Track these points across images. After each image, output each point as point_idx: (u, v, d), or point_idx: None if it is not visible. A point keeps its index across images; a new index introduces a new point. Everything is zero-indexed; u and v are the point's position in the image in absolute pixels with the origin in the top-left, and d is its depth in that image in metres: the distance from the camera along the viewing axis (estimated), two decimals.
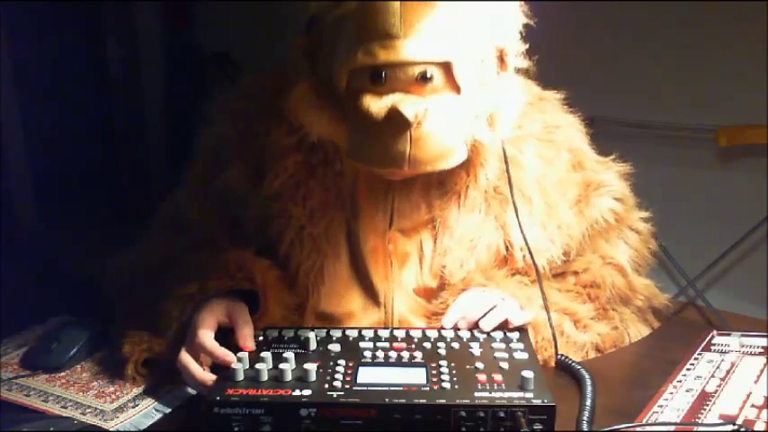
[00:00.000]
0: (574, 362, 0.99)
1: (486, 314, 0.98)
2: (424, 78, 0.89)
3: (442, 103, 0.90)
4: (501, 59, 0.96)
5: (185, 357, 0.93)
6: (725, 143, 2.17)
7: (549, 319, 1.01)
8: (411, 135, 0.88)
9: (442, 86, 0.91)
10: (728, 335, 1.06)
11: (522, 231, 1.02)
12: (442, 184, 1.05)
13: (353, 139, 0.94)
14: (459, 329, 0.99)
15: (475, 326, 0.98)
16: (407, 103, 0.86)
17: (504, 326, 0.99)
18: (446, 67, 0.90)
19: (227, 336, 0.94)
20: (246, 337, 0.93)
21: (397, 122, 0.87)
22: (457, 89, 0.91)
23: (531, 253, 1.03)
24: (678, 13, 2.23)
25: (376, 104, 0.88)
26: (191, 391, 0.96)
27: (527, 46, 0.97)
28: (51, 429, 0.87)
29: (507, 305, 0.99)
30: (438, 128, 0.89)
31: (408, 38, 0.87)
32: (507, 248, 1.04)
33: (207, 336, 0.92)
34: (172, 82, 3.14)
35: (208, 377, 0.91)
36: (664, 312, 1.17)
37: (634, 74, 2.36)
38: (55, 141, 2.68)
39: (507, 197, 1.04)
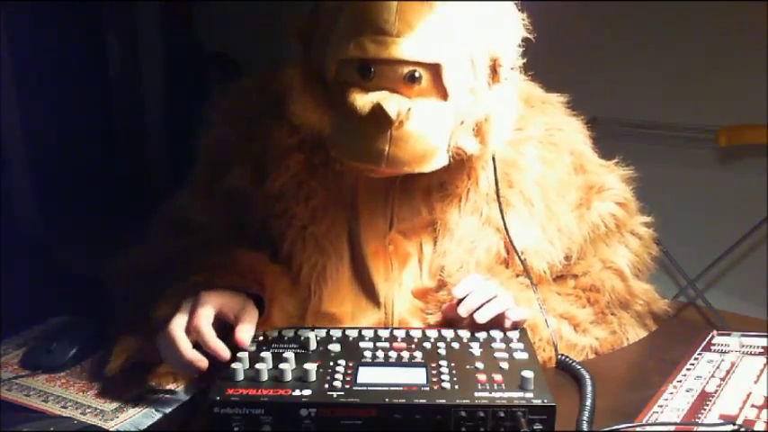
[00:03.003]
0: (574, 362, 0.99)
1: (483, 305, 0.97)
2: (412, 78, 0.89)
3: (428, 106, 0.90)
4: (494, 70, 0.95)
5: (175, 330, 0.87)
6: (725, 143, 2.17)
7: (546, 321, 1.01)
8: (392, 134, 0.88)
9: (430, 90, 0.90)
10: (728, 335, 1.06)
11: (509, 236, 1.02)
12: (443, 187, 1.05)
13: (336, 131, 0.94)
14: (458, 328, 0.98)
15: (472, 314, 0.97)
16: (392, 101, 0.87)
17: (500, 322, 0.98)
18: (435, 70, 0.89)
19: (225, 338, 0.93)
20: (246, 331, 0.90)
21: (379, 119, 0.87)
22: (444, 94, 0.91)
23: (518, 254, 1.02)
24: (678, 13, 2.23)
25: (361, 99, 0.88)
26: (190, 392, 0.96)
27: (524, 60, 0.97)
28: (51, 429, 0.87)
29: (506, 298, 0.99)
30: (420, 130, 0.89)
31: (401, 36, 0.87)
32: (508, 252, 1.04)
33: (205, 316, 0.88)
34: (172, 82, 3.14)
35: (196, 357, 0.87)
36: (663, 317, 1.16)
37: (634, 74, 2.36)
38: (55, 141, 2.68)
39: (508, 200, 1.04)
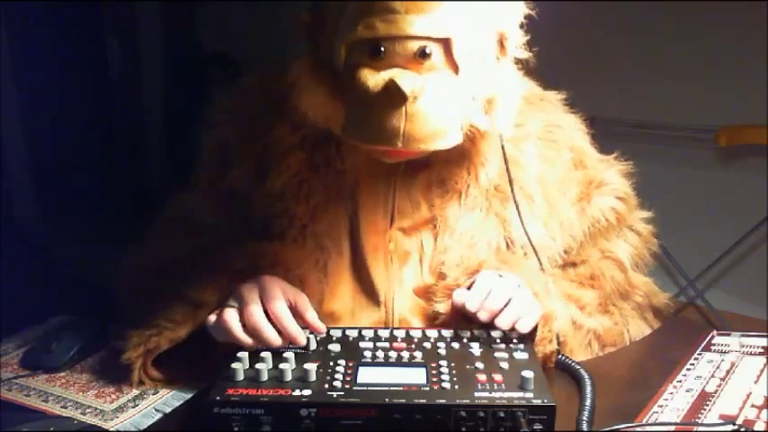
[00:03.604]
0: (574, 362, 0.99)
1: (502, 310, 0.96)
2: (422, 54, 0.88)
3: (440, 81, 0.89)
4: (501, 44, 0.95)
5: (258, 314, 0.90)
6: (725, 143, 2.17)
7: (556, 311, 1.01)
8: (406, 111, 0.87)
9: (441, 65, 0.90)
10: (728, 335, 1.06)
11: (523, 227, 1.03)
12: (443, 183, 1.05)
13: (349, 117, 0.93)
14: (460, 328, 0.98)
15: (494, 316, 0.96)
16: (405, 77, 0.86)
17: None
18: (446, 45, 0.89)
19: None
20: (317, 318, 0.94)
21: (393, 96, 0.86)
22: (455, 68, 0.90)
23: (533, 247, 1.03)
24: (678, 13, 2.23)
25: (373, 78, 0.88)
26: (189, 392, 0.96)
27: (528, 37, 0.97)
28: (51, 429, 0.87)
29: (522, 299, 0.97)
30: (434, 105, 0.88)
31: (410, 13, 0.87)
32: (508, 246, 1.04)
33: (281, 301, 0.91)
34: (172, 82, 3.14)
35: (298, 332, 0.91)
36: (664, 311, 1.17)
37: (634, 74, 2.36)
38: (55, 141, 2.68)
39: (508, 195, 1.04)
